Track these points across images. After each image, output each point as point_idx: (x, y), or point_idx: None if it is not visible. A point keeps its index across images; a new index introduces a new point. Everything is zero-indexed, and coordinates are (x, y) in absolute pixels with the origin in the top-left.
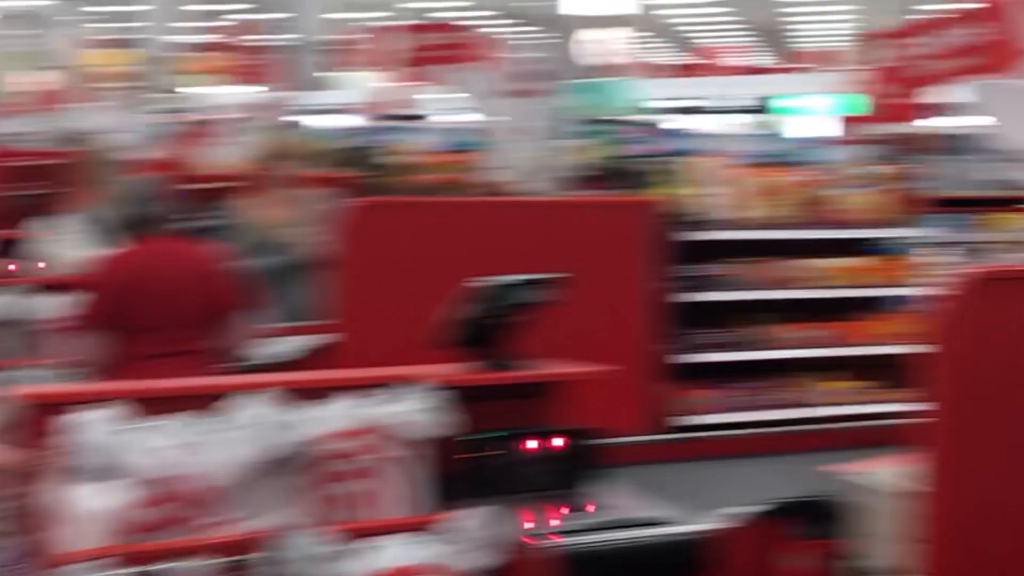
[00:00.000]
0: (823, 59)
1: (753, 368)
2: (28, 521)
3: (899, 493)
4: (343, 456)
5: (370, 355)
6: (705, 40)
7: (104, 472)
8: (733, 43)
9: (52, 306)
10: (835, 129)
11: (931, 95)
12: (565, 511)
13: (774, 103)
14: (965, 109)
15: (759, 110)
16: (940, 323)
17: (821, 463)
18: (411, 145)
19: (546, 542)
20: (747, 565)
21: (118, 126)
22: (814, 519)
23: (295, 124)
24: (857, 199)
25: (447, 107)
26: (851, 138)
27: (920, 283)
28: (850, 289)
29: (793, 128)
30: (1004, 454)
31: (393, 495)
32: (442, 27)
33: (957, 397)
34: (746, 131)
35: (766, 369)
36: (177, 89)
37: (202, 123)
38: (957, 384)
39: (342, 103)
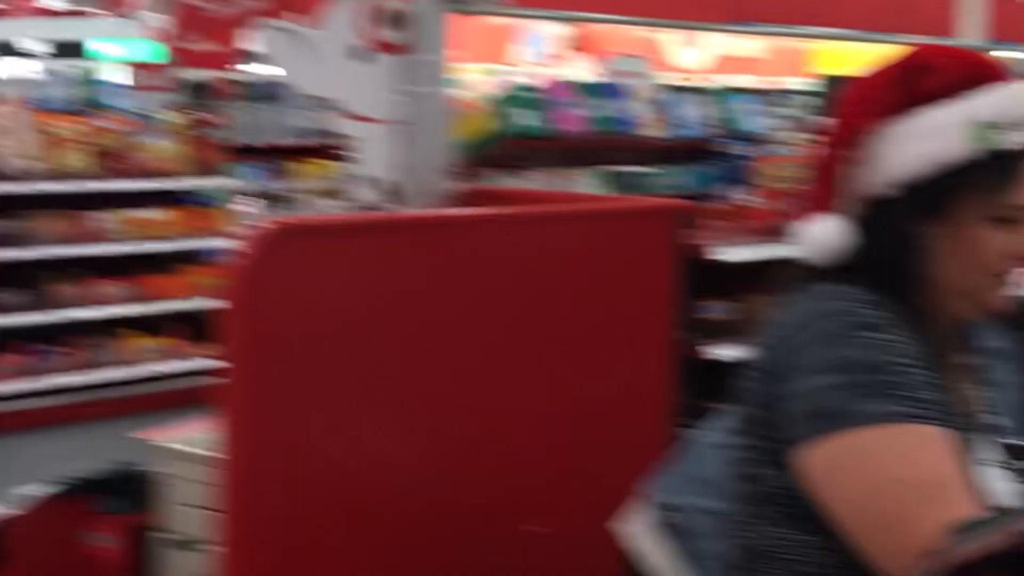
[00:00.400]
0: (123, 3)
1: (51, 330)
2: None
3: (200, 459)
4: None
5: None
6: None
7: None
8: None
9: None
10: (136, 76)
11: (235, 41)
12: None
13: (76, 47)
14: (267, 56)
15: (59, 54)
16: (235, 277)
17: (128, 430)
18: None
19: None
20: (44, 551)
21: None
22: (119, 492)
23: None
24: (160, 149)
25: None
26: (152, 85)
27: (226, 235)
28: (154, 242)
29: (96, 74)
30: (304, 418)
31: None
32: None
33: (252, 356)
34: (43, 76)
35: (65, 330)
36: None
37: None
38: (252, 342)
39: None
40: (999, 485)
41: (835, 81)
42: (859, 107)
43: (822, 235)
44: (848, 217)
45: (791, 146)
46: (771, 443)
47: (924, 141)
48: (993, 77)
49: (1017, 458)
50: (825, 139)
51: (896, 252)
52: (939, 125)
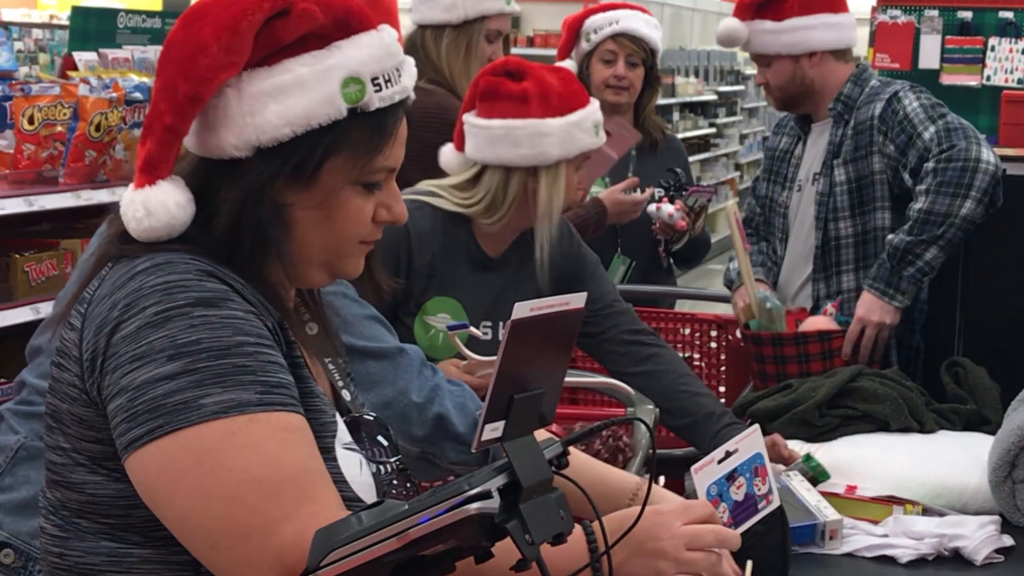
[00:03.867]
0: None
1: None
2: None
3: None
4: None
5: None
6: None
7: None
8: None
9: None
10: None
11: None
12: None
13: None
14: None
15: None
16: None
17: None
18: None
19: None
20: None
21: None
22: None
23: None
24: None
25: None
26: None
27: None
28: None
29: None
30: None
31: None
32: None
33: None
34: None
35: None
36: None
37: None
38: None
39: None
40: (356, 471)
41: (82, 13)
42: (204, 55)
43: (160, 206)
44: (190, 182)
45: (41, 84)
46: (91, 444)
47: (288, 99)
48: (363, 24)
49: (383, 434)
50: (157, 90)
51: (253, 224)
52: (303, 80)
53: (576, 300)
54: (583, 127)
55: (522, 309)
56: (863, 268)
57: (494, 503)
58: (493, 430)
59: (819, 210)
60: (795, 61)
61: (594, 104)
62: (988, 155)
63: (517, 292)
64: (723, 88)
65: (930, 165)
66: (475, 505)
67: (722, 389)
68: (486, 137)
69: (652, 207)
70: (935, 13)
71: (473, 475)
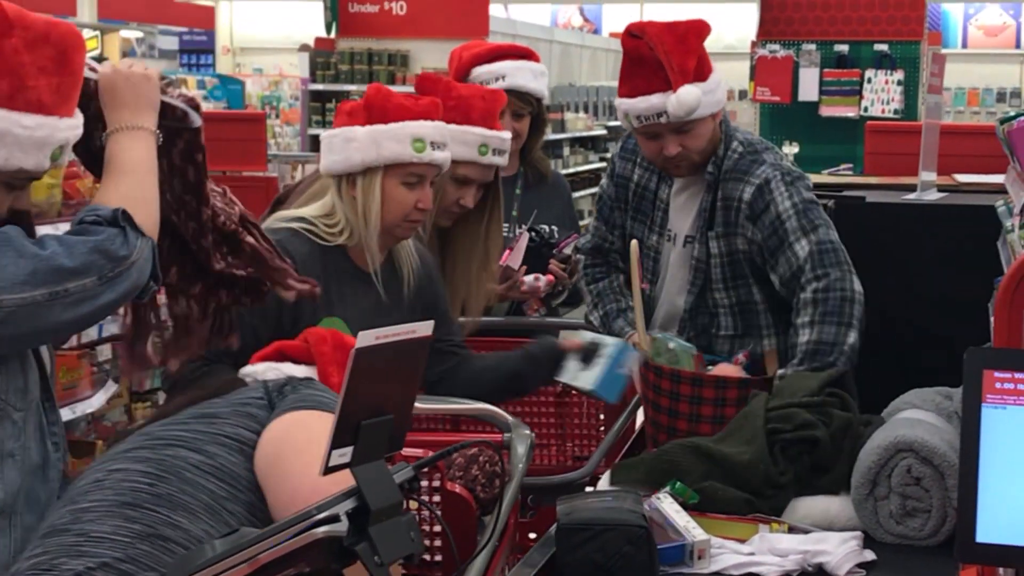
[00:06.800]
0: None
1: None
2: None
3: None
4: None
5: None
6: None
7: None
8: None
9: None
10: None
11: None
12: None
13: None
14: None
15: None
16: None
17: None
18: None
19: None
20: None
21: None
22: None
23: None
24: None
25: None
26: None
27: None
28: None
29: None
30: None
31: None
32: None
33: None
34: None
35: None
36: None
37: None
38: None
39: None
40: None
41: None
42: None
43: None
44: None
45: None
46: None
47: None
48: None
49: None
50: None
51: None
52: None
53: (423, 328)
54: (396, 137)
55: (367, 338)
56: (738, 338)
57: (342, 527)
58: (341, 455)
59: (695, 276)
60: (713, 119)
61: (427, 124)
62: (857, 284)
63: (391, 304)
64: (612, 123)
65: (808, 296)
66: (323, 528)
67: (602, 416)
68: (324, 148)
69: (530, 278)
70: (812, 47)
71: (323, 500)
